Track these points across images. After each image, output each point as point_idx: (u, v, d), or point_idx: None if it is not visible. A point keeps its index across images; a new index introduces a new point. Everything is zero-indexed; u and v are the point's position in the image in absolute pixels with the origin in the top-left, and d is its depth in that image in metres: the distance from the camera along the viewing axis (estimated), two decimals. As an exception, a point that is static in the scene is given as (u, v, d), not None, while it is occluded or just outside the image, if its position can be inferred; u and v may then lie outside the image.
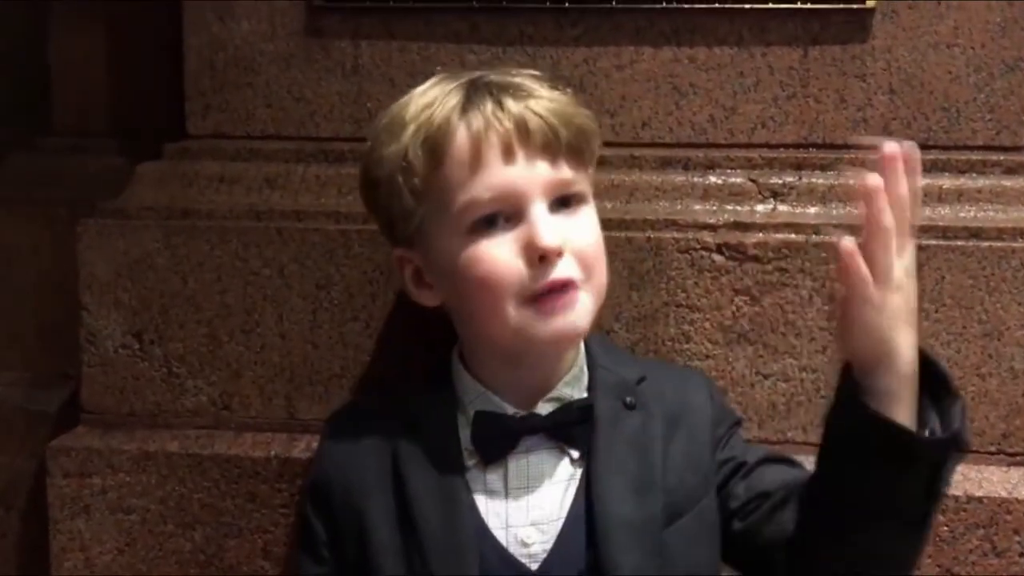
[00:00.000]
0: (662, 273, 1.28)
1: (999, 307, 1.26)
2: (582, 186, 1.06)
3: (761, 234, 1.29)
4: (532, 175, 1.02)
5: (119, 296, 1.36)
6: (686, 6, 1.33)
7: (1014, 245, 1.26)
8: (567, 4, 1.34)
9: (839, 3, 1.32)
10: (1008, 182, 1.31)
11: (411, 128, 1.04)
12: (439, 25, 1.37)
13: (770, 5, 1.32)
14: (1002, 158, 1.32)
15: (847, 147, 1.34)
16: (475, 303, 1.04)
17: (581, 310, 1.03)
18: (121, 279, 1.36)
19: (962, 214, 1.30)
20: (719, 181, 1.34)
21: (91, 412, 1.38)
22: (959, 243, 1.27)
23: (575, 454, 1.07)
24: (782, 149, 1.35)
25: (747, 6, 1.33)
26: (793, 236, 1.28)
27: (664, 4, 1.33)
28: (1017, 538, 1.23)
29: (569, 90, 1.10)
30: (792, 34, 1.34)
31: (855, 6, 1.32)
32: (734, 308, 1.29)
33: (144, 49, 1.62)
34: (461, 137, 1.02)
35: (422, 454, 1.07)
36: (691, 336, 1.29)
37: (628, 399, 1.09)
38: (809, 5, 1.32)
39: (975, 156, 1.32)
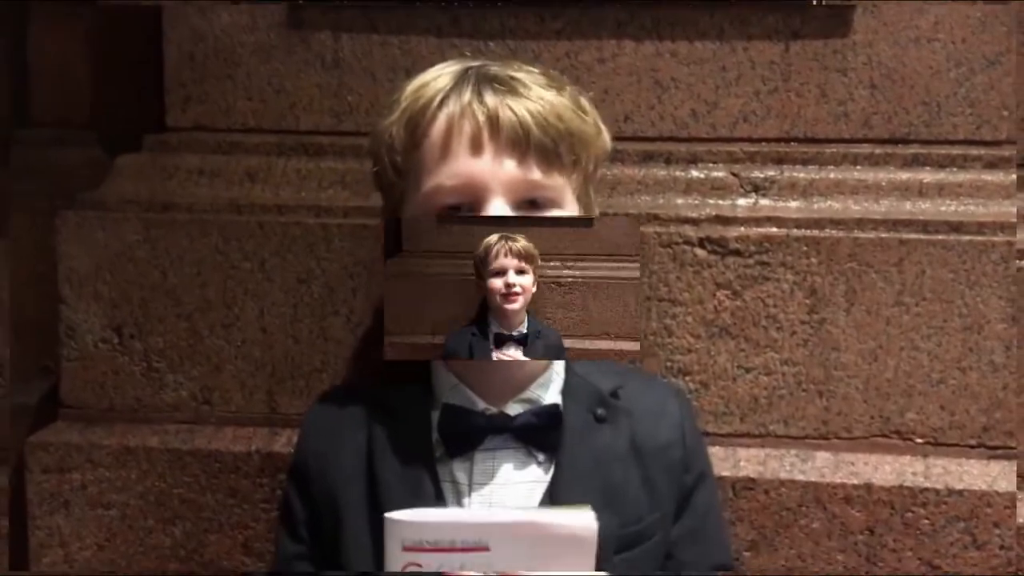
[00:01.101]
0: (644, 267, 1.28)
1: (979, 301, 1.26)
2: (554, 191, 1.04)
3: (743, 228, 1.29)
4: (496, 170, 1.01)
5: (99, 289, 1.35)
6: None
7: (994, 239, 1.26)
8: (549, -3, 1.34)
9: (821, -3, 1.32)
10: (989, 176, 1.31)
11: (402, 105, 1.06)
12: (420, 18, 1.37)
13: (752, -1, 1.33)
14: (982, 152, 1.32)
15: (828, 141, 1.34)
16: None
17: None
18: (101, 272, 1.35)
19: (943, 208, 1.30)
20: (701, 175, 1.33)
21: (70, 407, 1.37)
22: (940, 237, 1.27)
23: (541, 457, 1.06)
24: (764, 143, 1.35)
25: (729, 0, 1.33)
26: (775, 230, 1.28)
27: (646, -3, 1.33)
28: (997, 531, 1.24)
29: (570, 91, 1.08)
30: (773, 28, 1.34)
31: (836, 1, 1.32)
32: (716, 302, 1.29)
33: (124, 40, 1.61)
34: (438, 123, 1.03)
35: (395, 444, 1.07)
36: (673, 330, 1.29)
37: (599, 411, 1.08)
38: (791, -1, 1.32)
39: (956, 151, 1.33)
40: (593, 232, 1.05)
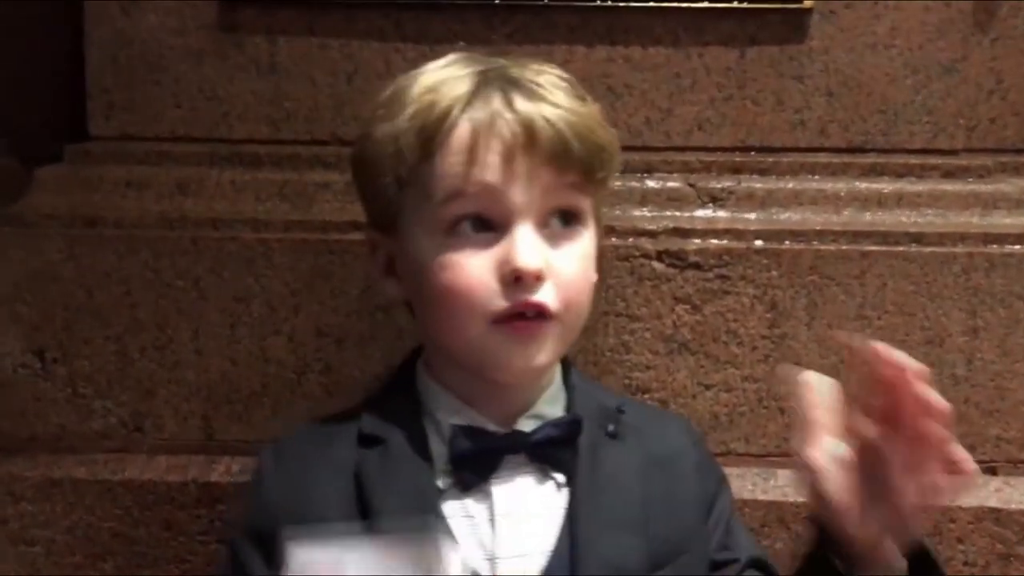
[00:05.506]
0: (601, 281, 1.23)
1: (941, 313, 1.24)
2: (584, 208, 0.96)
3: (700, 241, 1.25)
4: (528, 185, 0.92)
5: (18, 311, 1.27)
6: (621, 4, 1.29)
7: (955, 250, 1.24)
8: (497, 1, 1.29)
9: (776, 3, 1.29)
10: (947, 186, 1.30)
11: (409, 111, 0.94)
12: (362, 21, 1.31)
13: (706, 4, 1.29)
14: (940, 162, 1.31)
15: (785, 150, 1.31)
16: (440, 311, 0.95)
17: (547, 345, 0.94)
18: (20, 292, 1.27)
19: (902, 219, 1.28)
20: (657, 185, 1.30)
21: (-11, 437, 1.28)
22: (900, 248, 1.25)
23: (560, 479, 0.98)
24: (720, 152, 1.31)
25: (683, 5, 1.29)
26: (734, 243, 1.25)
27: (598, 2, 1.29)
28: (961, 547, 1.22)
29: (591, 102, 0.99)
30: (729, 34, 1.30)
31: (792, 6, 1.29)
32: (675, 317, 1.25)
33: (40, 42, 1.52)
34: (461, 131, 0.92)
35: (390, 476, 0.96)
36: (631, 346, 1.25)
37: (610, 427, 1.00)
38: (746, 4, 1.29)
39: (913, 160, 1.31)
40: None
